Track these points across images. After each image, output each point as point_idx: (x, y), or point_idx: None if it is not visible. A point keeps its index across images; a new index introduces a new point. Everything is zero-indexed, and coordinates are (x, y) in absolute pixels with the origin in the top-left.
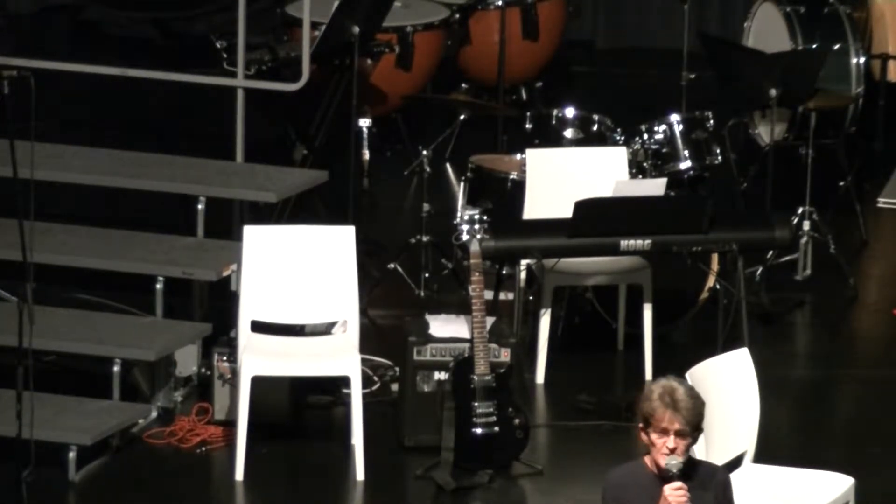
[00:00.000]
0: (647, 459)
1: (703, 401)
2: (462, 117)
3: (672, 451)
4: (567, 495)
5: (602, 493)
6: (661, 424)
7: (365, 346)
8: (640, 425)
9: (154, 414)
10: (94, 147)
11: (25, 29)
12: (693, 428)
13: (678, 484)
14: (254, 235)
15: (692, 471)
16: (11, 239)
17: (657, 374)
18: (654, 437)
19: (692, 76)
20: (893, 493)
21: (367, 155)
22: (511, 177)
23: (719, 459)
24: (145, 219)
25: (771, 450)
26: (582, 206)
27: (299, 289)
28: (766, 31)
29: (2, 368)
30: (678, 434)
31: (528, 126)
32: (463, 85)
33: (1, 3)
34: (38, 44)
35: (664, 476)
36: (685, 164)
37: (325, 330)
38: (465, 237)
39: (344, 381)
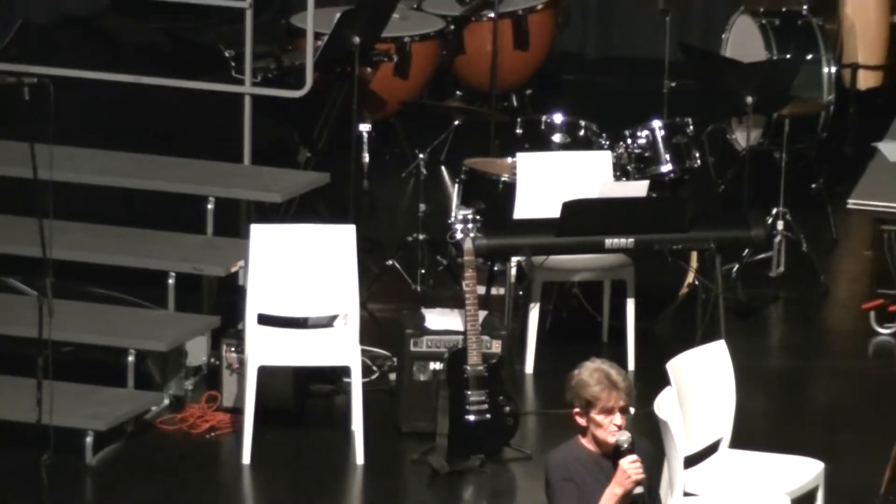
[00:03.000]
0: (583, 440)
1: (630, 378)
2: (456, 122)
3: (619, 428)
4: None
5: (546, 475)
6: (607, 404)
7: (364, 338)
8: (577, 410)
9: (166, 401)
10: (110, 150)
11: (44, 38)
12: (632, 398)
13: (634, 457)
14: (260, 234)
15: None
16: (32, 236)
17: (639, 364)
18: (598, 418)
19: (673, 84)
20: (861, 478)
21: (366, 158)
22: (502, 179)
23: (698, 445)
24: (158, 218)
25: (746, 436)
26: (569, 207)
27: (303, 284)
28: (743, 42)
29: (23, 358)
30: (622, 410)
31: (518, 131)
32: (457, 92)
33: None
34: (56, 52)
35: (616, 451)
36: (666, 168)
37: (328, 323)
38: (459, 236)
39: (345, 371)
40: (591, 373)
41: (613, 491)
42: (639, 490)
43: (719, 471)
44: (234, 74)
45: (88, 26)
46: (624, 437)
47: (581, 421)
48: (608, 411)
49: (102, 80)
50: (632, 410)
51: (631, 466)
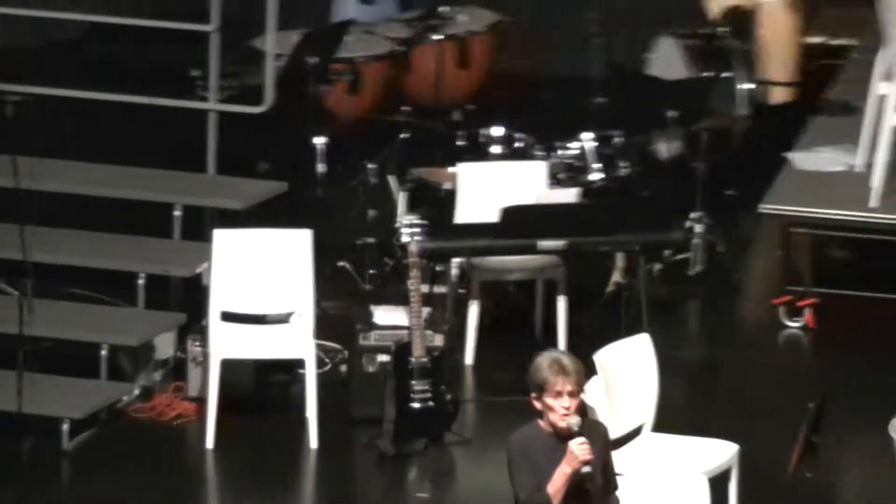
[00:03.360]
0: (541, 423)
1: (583, 367)
2: (403, 135)
3: (568, 411)
4: (491, 460)
5: (508, 454)
6: (556, 388)
7: (318, 333)
8: (534, 394)
9: (136, 392)
10: (85, 162)
11: (29, 60)
12: (581, 385)
13: (581, 440)
14: (222, 238)
15: (584, 426)
16: (13, 241)
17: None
18: (549, 401)
19: (602, 100)
20: (771, 458)
21: (321, 168)
22: (445, 187)
23: (623, 429)
24: (129, 223)
25: (667, 420)
26: (507, 212)
27: (262, 283)
28: (666, 61)
29: (5, 353)
30: (570, 395)
31: (459, 143)
32: (403, 108)
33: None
34: (39, 72)
35: (566, 434)
36: (595, 176)
37: (284, 319)
38: (404, 239)
39: (300, 363)
40: (546, 359)
41: (563, 470)
42: (586, 469)
43: (643, 453)
44: (199, 93)
45: (69, 49)
46: (574, 421)
47: (537, 405)
48: (558, 395)
49: (79, 98)
50: (583, 396)
51: (578, 448)
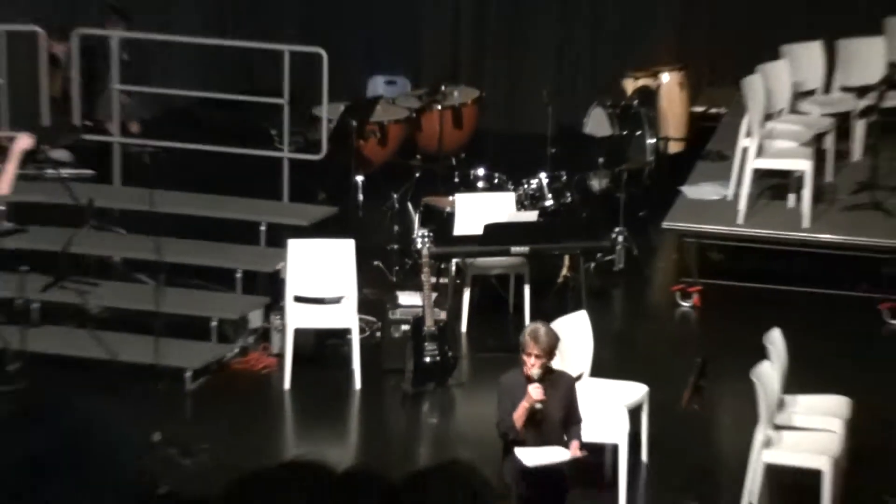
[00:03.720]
0: (522, 371)
1: (558, 337)
2: (417, 174)
3: (532, 367)
4: (479, 398)
5: (498, 389)
6: (527, 350)
7: (360, 310)
8: (521, 350)
9: (236, 350)
10: (201, 193)
11: (158, 123)
12: (546, 352)
13: (537, 385)
14: (294, 245)
15: (550, 376)
16: (149, 247)
17: None
18: (524, 357)
19: (554, 150)
20: (671, 396)
21: (360, 197)
22: (446, 210)
23: (572, 373)
24: (230, 235)
25: (599, 370)
26: (488, 227)
27: (321, 276)
28: (597, 124)
29: (145, 324)
30: (536, 356)
31: (456, 180)
32: (417, 155)
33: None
34: (166, 132)
35: (530, 380)
36: (548, 203)
37: (336, 300)
38: (419, 245)
39: (347, 331)
40: (529, 328)
41: (524, 405)
42: (538, 406)
43: (585, 391)
44: (276, 145)
45: (185, 115)
46: (534, 372)
47: (522, 358)
48: (528, 354)
49: (193, 149)
50: (550, 358)
51: (534, 391)
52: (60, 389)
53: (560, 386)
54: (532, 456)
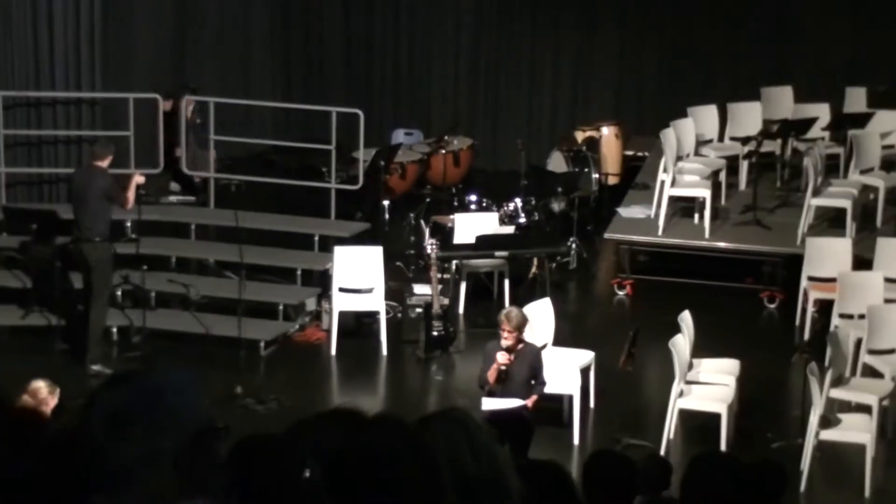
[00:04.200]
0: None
1: (526, 317)
2: (427, 200)
3: (506, 339)
4: (472, 361)
5: (483, 353)
6: (502, 326)
7: (386, 297)
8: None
9: (297, 326)
10: (270, 213)
11: (239, 164)
12: (516, 328)
13: (504, 352)
14: (340, 251)
15: (520, 346)
16: (235, 252)
17: None
18: (500, 331)
19: (525, 182)
20: (610, 360)
21: (387, 216)
22: (449, 225)
23: (539, 344)
24: (293, 244)
25: (559, 340)
26: (479, 237)
27: (358, 273)
28: (556, 163)
29: (231, 308)
30: (508, 331)
31: (455, 204)
32: (428, 186)
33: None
34: (246, 170)
35: (508, 350)
36: (522, 220)
37: (369, 290)
38: (428, 250)
39: (377, 313)
40: (506, 309)
41: (494, 366)
42: (503, 367)
43: (548, 357)
44: (325, 179)
45: (259, 158)
46: (505, 343)
47: (501, 332)
48: (503, 330)
49: (266, 182)
50: (522, 334)
51: (500, 356)
52: (166, 357)
53: (527, 354)
54: (492, 405)
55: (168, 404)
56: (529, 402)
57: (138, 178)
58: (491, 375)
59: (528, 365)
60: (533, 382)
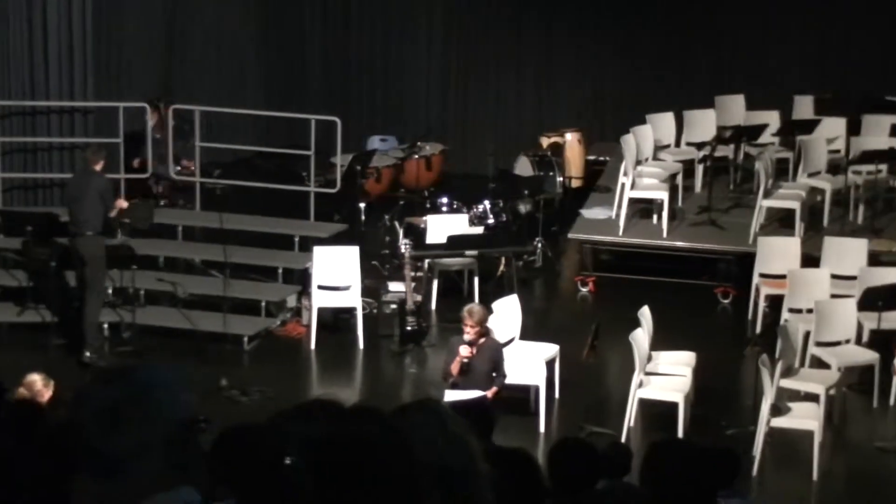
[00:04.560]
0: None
1: (487, 313)
2: (401, 202)
3: (468, 333)
4: (443, 354)
5: (448, 347)
6: (465, 320)
7: (363, 294)
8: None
9: (278, 322)
10: (253, 215)
11: (225, 169)
12: (478, 323)
13: (466, 346)
14: (319, 251)
15: (483, 341)
16: (219, 252)
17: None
18: (463, 326)
19: (493, 185)
20: (573, 351)
21: (363, 217)
22: (422, 226)
23: (506, 338)
24: (274, 243)
25: (525, 334)
26: (450, 237)
27: (336, 271)
28: (523, 167)
29: (215, 305)
30: (471, 326)
31: (428, 206)
32: (402, 189)
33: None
34: (232, 175)
35: (470, 344)
36: (490, 221)
37: (346, 287)
38: (403, 250)
39: (354, 309)
40: (467, 306)
41: (456, 359)
42: (465, 360)
43: (515, 351)
44: (306, 183)
45: (244, 162)
46: (466, 338)
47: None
48: (465, 325)
49: (249, 186)
50: (483, 328)
51: (462, 350)
52: (155, 351)
53: (489, 348)
54: (454, 397)
55: (154, 398)
56: (490, 394)
57: (121, 203)
58: (454, 368)
59: (490, 358)
60: (494, 375)
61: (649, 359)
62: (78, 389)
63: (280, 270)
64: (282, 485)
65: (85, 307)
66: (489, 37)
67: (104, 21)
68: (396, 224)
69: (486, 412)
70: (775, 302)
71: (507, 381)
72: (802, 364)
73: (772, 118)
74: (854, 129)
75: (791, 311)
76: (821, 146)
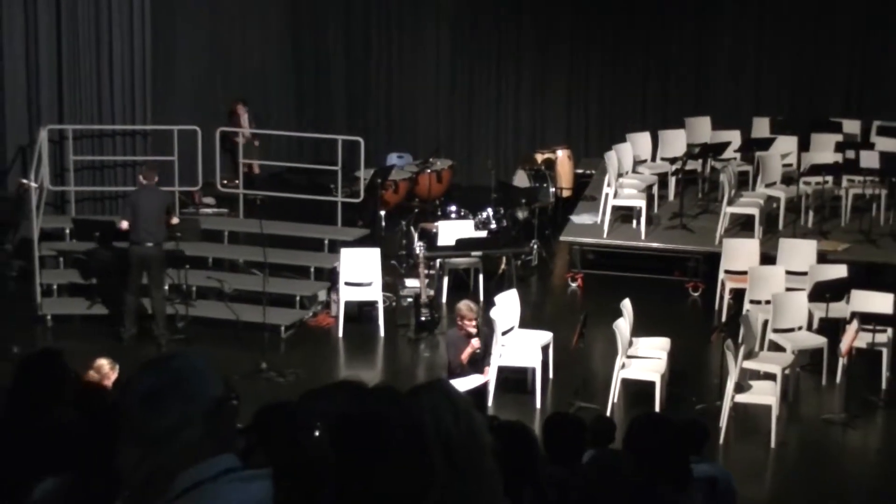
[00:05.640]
0: (464, 328)
1: (480, 309)
2: (416, 211)
3: (472, 326)
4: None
5: (446, 343)
6: (468, 317)
7: (383, 289)
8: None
9: (311, 313)
10: (288, 222)
11: (262, 182)
12: (477, 316)
13: (477, 338)
14: (345, 252)
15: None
16: (259, 253)
17: (487, 299)
18: (463, 322)
19: (495, 195)
20: (565, 339)
21: (383, 224)
22: (434, 230)
23: (507, 327)
24: (307, 246)
25: (523, 323)
26: (458, 240)
27: (360, 269)
28: (520, 179)
29: (258, 299)
30: (474, 319)
31: (439, 213)
32: (416, 199)
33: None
34: (267, 185)
35: (472, 336)
36: (493, 226)
37: (369, 284)
38: (417, 251)
39: (376, 302)
40: (465, 304)
41: (468, 350)
42: (478, 351)
43: (513, 337)
44: (334, 194)
45: (278, 178)
46: (472, 330)
47: (459, 320)
48: (467, 318)
49: (284, 197)
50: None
51: (475, 342)
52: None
53: (483, 335)
54: (457, 384)
55: (189, 382)
56: (485, 375)
57: (174, 220)
58: (465, 359)
59: (486, 344)
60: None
61: (630, 344)
62: (127, 378)
63: (312, 269)
64: (311, 454)
65: (153, 302)
66: (491, 67)
67: (160, 56)
68: (412, 229)
69: (481, 391)
70: (738, 294)
71: (508, 363)
72: (762, 348)
73: (734, 137)
74: (804, 146)
75: (752, 302)
76: (776, 161)
